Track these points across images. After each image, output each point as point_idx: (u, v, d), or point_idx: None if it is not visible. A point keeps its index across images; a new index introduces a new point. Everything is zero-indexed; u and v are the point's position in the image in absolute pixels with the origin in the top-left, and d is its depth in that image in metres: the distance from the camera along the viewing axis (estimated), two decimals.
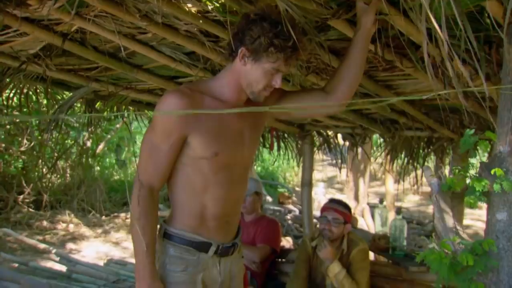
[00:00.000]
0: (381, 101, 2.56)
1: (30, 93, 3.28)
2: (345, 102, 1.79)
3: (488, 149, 1.38)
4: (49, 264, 5.01)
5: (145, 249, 1.56)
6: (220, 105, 1.61)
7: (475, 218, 8.33)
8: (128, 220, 7.50)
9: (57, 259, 4.94)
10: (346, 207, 2.96)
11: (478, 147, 1.43)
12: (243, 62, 1.55)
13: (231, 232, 1.76)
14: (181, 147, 1.59)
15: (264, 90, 1.60)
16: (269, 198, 8.80)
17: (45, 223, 7.05)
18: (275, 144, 4.31)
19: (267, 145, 4.31)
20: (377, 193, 10.15)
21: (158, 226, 1.70)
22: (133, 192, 1.59)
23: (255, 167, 9.29)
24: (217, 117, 1.58)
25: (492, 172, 1.27)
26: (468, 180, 1.35)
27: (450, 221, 1.38)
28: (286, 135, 4.18)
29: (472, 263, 1.24)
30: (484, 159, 1.38)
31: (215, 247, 1.68)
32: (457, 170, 1.38)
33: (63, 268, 4.69)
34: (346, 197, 7.19)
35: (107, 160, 9.64)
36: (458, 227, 1.37)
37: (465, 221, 7.58)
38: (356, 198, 7.33)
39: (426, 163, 3.88)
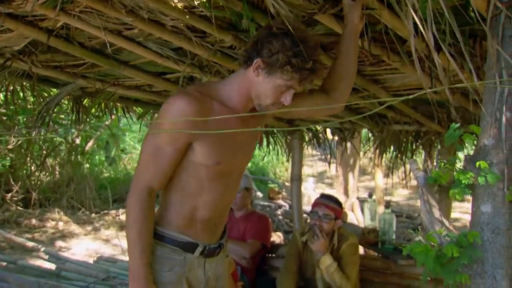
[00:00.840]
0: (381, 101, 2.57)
1: (17, 89, 3.24)
2: (344, 101, 1.79)
3: (475, 142, 1.39)
4: (38, 262, 4.98)
5: (141, 251, 1.54)
6: (227, 112, 1.57)
7: (464, 211, 8.42)
8: (118, 217, 7.47)
9: (46, 257, 4.90)
10: (337, 202, 2.97)
11: (465, 141, 1.44)
12: (257, 73, 1.53)
13: (218, 233, 1.75)
14: (185, 151, 1.56)
15: (272, 105, 1.57)
16: (259, 194, 8.82)
17: (34, 221, 6.99)
18: (265, 140, 4.32)
19: (257, 141, 4.31)
20: (366, 187, 10.21)
21: None
22: (131, 193, 1.56)
23: None
24: (223, 126, 1.53)
25: (477, 164, 1.28)
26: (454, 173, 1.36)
27: (436, 213, 1.39)
28: (275, 130, 4.18)
29: (457, 254, 1.26)
30: (472, 152, 1.39)
31: (202, 247, 1.67)
32: (442, 163, 1.39)
33: (52, 266, 4.66)
34: (336, 192, 7.23)
35: (97, 157, 9.57)
36: (444, 220, 1.38)
37: (454, 214, 7.66)
38: (346, 192, 7.37)
39: (414, 157, 3.91)
